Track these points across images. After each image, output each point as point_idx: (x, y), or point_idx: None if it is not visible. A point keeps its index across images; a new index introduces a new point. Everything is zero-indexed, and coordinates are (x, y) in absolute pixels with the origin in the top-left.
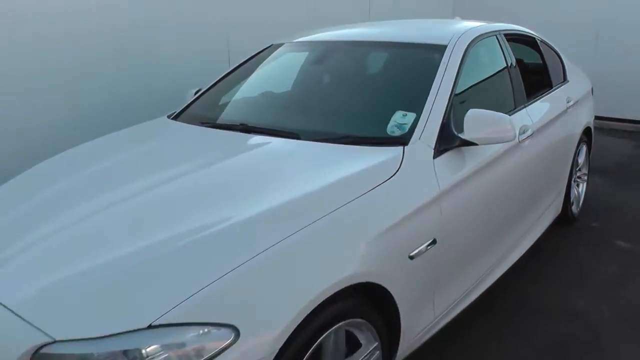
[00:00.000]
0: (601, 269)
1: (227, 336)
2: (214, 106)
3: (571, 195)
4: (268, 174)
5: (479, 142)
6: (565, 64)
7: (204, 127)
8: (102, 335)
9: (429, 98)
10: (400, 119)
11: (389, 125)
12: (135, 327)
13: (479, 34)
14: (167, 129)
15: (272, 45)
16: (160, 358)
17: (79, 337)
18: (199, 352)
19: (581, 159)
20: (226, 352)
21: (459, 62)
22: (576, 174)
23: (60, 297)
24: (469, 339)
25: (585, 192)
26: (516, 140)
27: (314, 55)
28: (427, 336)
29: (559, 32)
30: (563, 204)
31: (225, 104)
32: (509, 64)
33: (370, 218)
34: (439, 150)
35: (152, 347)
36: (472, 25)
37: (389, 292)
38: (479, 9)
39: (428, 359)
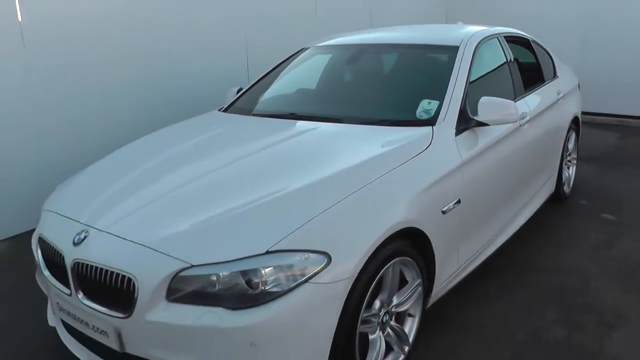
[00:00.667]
0: (590, 235)
1: (322, 261)
2: (259, 100)
3: (563, 176)
4: (329, 147)
5: (490, 123)
6: (555, 62)
7: (257, 117)
8: (228, 260)
9: (448, 89)
10: (426, 106)
11: (418, 111)
12: (256, 253)
13: (484, 36)
14: (226, 118)
15: (303, 48)
16: (273, 277)
17: (210, 262)
18: (302, 273)
19: (571, 145)
20: (321, 273)
21: (470, 59)
22: (567, 157)
23: (191, 235)
24: (485, 289)
25: (575, 177)
26: (517, 123)
27: (346, 56)
28: (452, 284)
29: (548, 34)
30: (556, 183)
31: (269, 99)
32: (509, 61)
33: (412, 179)
34: (459, 130)
35: (268, 268)
36: (477, 29)
37: (427, 239)
38: (471, 12)
39: (452, 303)
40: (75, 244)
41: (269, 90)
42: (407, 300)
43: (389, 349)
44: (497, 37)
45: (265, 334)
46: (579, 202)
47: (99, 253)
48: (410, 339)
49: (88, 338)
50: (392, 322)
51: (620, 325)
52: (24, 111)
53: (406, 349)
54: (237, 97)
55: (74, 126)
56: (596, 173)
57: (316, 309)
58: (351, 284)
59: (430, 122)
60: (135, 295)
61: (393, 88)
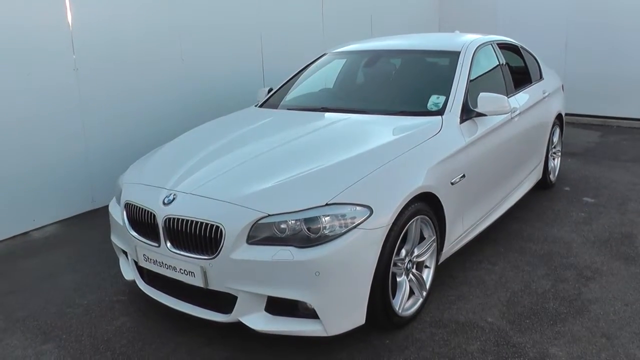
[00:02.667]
0: (573, 214)
1: (366, 212)
2: (292, 97)
3: (549, 166)
4: (363, 131)
5: (488, 113)
6: (541, 66)
7: (295, 110)
8: (297, 210)
9: (452, 86)
10: (435, 100)
11: (429, 104)
12: (317, 205)
13: (480, 43)
14: (269, 112)
15: (324, 53)
16: (330, 223)
17: (283, 212)
18: (351, 221)
19: (555, 138)
20: (366, 221)
21: (470, 62)
22: (552, 149)
23: (264, 193)
24: (483, 254)
25: (560, 168)
26: (509, 116)
27: (364, 59)
28: (457, 246)
29: (534, 41)
30: (543, 171)
31: (300, 96)
32: (501, 64)
33: (429, 155)
34: (462, 119)
35: (327, 217)
36: (474, 38)
37: (440, 203)
38: (460, 20)
39: (457, 265)
40: (165, 204)
41: (298, 89)
42: (424, 252)
43: (410, 293)
44: (491, 44)
45: (326, 266)
46: (563, 189)
47: (189, 209)
48: (427, 286)
49: (167, 284)
50: (414, 270)
51: (595, 277)
52: (72, 108)
53: (424, 293)
54: (269, 95)
55: (116, 121)
56: (579, 165)
57: (363, 248)
58: (387, 231)
59: (440, 112)
60: (222, 240)
61: (407, 86)
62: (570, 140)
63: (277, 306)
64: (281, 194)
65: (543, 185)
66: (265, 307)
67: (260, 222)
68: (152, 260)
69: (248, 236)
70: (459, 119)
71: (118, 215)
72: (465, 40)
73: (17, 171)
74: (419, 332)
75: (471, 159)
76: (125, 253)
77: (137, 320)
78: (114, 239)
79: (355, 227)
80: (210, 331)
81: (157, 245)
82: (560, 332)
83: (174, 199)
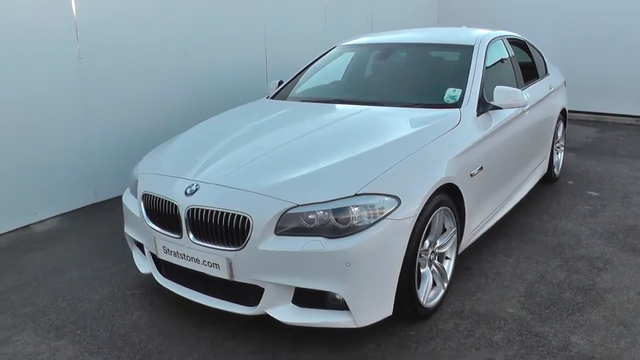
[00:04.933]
0: (578, 207)
1: (394, 203)
2: (305, 89)
3: (553, 160)
4: (384, 122)
5: (503, 106)
6: (546, 61)
7: (308, 102)
8: (326, 200)
9: (468, 79)
10: (452, 93)
11: (445, 97)
12: (346, 195)
13: (492, 38)
14: (279, 103)
15: (335, 46)
16: (359, 214)
17: (311, 202)
18: (380, 212)
19: (559, 133)
20: (394, 212)
21: (484, 56)
22: (556, 144)
23: (291, 183)
24: (496, 247)
25: (563, 162)
26: (520, 110)
27: (377, 52)
28: (474, 238)
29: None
30: (548, 166)
31: (312, 88)
32: (511, 59)
33: (449, 147)
34: (479, 112)
35: (356, 208)
36: (486, 32)
37: (461, 195)
38: (461, 16)
39: (472, 258)
40: (187, 194)
41: (309, 81)
42: (446, 243)
43: (432, 284)
44: (502, 39)
45: (357, 256)
46: (567, 183)
47: (213, 200)
48: (448, 277)
49: (187, 277)
50: (436, 261)
51: (607, 268)
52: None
53: (445, 284)
54: (281, 87)
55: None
56: (579, 160)
57: (392, 239)
58: (414, 222)
59: (457, 105)
60: (250, 230)
61: (422, 78)
62: (570, 136)
63: (305, 298)
64: (309, 185)
65: (548, 179)
66: (293, 298)
67: (288, 212)
68: (172, 253)
69: (276, 227)
70: (475, 112)
71: (134, 206)
72: (478, 34)
73: (18, 162)
74: (442, 323)
75: (487, 151)
76: (140, 246)
77: (153, 315)
78: (128, 231)
79: (384, 217)
80: (232, 325)
81: (178, 236)
82: (579, 321)
83: (196, 189)
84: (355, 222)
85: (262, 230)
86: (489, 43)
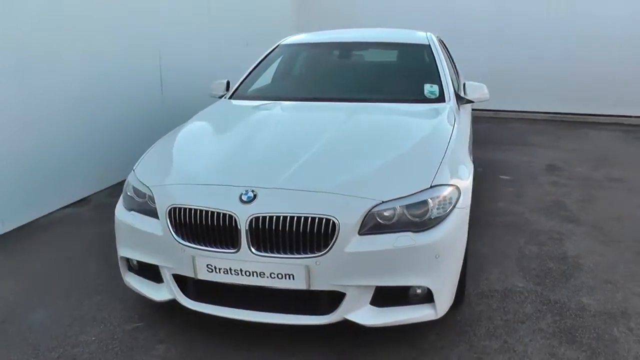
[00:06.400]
0: (502, 190)
1: (457, 192)
2: (271, 88)
3: None
4: (397, 118)
5: (475, 100)
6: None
7: (291, 102)
8: (408, 194)
9: (441, 76)
10: (429, 89)
11: (425, 92)
12: (424, 187)
13: (437, 36)
14: (259, 104)
15: (279, 44)
16: (437, 205)
17: (395, 197)
18: (449, 201)
19: None
20: (459, 201)
21: (441, 53)
22: None
23: (368, 180)
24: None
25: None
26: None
27: (341, 51)
28: None
29: None
30: None
31: (281, 87)
32: (450, 56)
33: (463, 138)
34: (458, 105)
35: (433, 199)
36: (425, 32)
37: None
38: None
39: None
40: (244, 202)
41: (274, 80)
42: None
43: None
44: (438, 38)
45: (444, 247)
46: (477, 169)
47: (285, 206)
48: None
49: (229, 297)
50: None
51: (563, 239)
52: None
53: None
54: (236, 87)
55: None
56: (484, 151)
57: (461, 226)
58: (469, 210)
59: (440, 100)
60: (336, 233)
61: (398, 75)
62: (474, 131)
63: (384, 297)
64: (383, 180)
65: None
66: (371, 300)
67: (373, 210)
68: (222, 270)
69: (360, 227)
70: (456, 105)
71: (144, 224)
72: (421, 34)
73: None
74: (475, 305)
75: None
76: (146, 271)
77: (182, 344)
78: (129, 254)
79: (454, 207)
80: (280, 340)
81: (234, 251)
82: (577, 285)
83: (254, 196)
84: (432, 213)
85: (348, 232)
86: (438, 41)
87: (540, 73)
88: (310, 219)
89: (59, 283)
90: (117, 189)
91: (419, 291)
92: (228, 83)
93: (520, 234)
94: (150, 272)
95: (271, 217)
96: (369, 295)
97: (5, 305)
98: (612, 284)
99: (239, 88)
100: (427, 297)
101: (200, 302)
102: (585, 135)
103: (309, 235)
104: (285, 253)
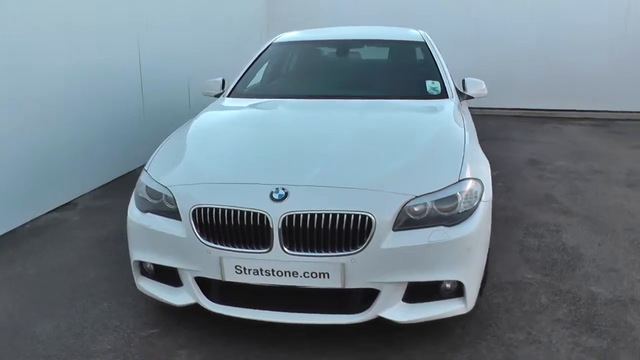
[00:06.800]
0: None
1: (480, 186)
2: (269, 86)
3: None
4: (406, 113)
5: (475, 96)
6: None
7: (294, 99)
8: (440, 188)
9: (441, 72)
10: (431, 85)
11: (428, 88)
12: (453, 182)
13: (426, 34)
14: (264, 102)
15: (273, 42)
16: (465, 198)
17: (428, 192)
18: (475, 195)
19: None
20: (483, 195)
21: (437, 50)
22: None
23: (399, 175)
24: None
25: None
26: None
27: (335, 49)
28: None
29: None
30: None
31: (281, 84)
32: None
33: (473, 133)
34: (460, 101)
35: (462, 193)
36: (415, 30)
37: None
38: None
39: None
40: (276, 200)
41: (273, 78)
42: None
43: None
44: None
45: (474, 240)
46: None
47: (320, 203)
48: None
49: (254, 298)
50: None
51: (560, 230)
52: None
53: None
54: (235, 84)
55: None
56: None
57: (487, 219)
58: (491, 203)
59: (443, 96)
60: (372, 230)
61: (399, 72)
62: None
63: (415, 293)
64: (412, 176)
65: None
66: (403, 296)
67: (407, 205)
68: (252, 271)
69: (394, 222)
70: (459, 101)
71: (163, 225)
72: (414, 31)
73: None
74: (492, 297)
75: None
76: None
77: (214, 351)
78: (145, 257)
79: (479, 200)
80: (303, 340)
81: (265, 250)
82: (583, 274)
83: (286, 194)
84: (464, 207)
85: (384, 228)
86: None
87: (509, 72)
88: (345, 216)
89: (57, 291)
90: (102, 191)
91: (448, 285)
92: (223, 81)
93: (517, 228)
94: (168, 276)
95: (305, 215)
96: (402, 292)
97: (6, 317)
98: (616, 272)
99: (237, 86)
100: (457, 291)
101: (225, 305)
102: (557, 130)
103: (344, 233)
104: (319, 251)
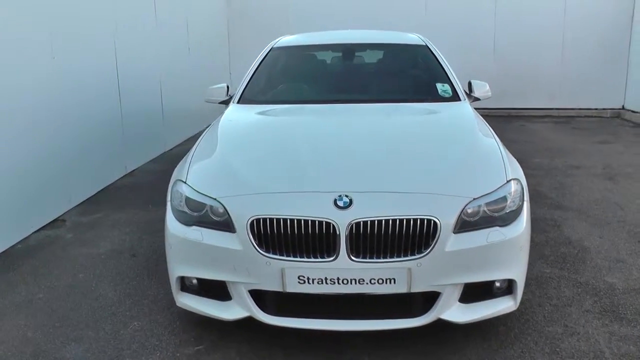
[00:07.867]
0: None
1: (520, 185)
2: (281, 92)
3: None
4: (429, 116)
5: (481, 98)
6: None
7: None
8: (492, 190)
9: (449, 75)
10: (442, 87)
11: (439, 91)
12: (503, 183)
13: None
14: (283, 108)
15: (273, 47)
16: (512, 199)
17: (483, 194)
18: (519, 194)
19: None
20: (523, 194)
21: (440, 53)
22: None
23: (450, 178)
24: None
25: None
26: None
27: (339, 53)
28: None
29: None
30: None
31: (292, 90)
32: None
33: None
34: (470, 103)
35: (510, 193)
36: (415, 34)
37: None
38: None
39: None
40: (341, 208)
41: (281, 83)
42: None
43: None
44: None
45: (525, 239)
46: None
47: (386, 209)
48: None
49: (309, 308)
50: None
51: (560, 225)
52: None
53: None
54: (242, 90)
55: None
56: None
57: (528, 218)
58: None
59: (455, 99)
60: (437, 233)
61: (407, 76)
62: None
63: (471, 293)
64: (464, 179)
65: None
66: (460, 297)
67: (467, 207)
68: (316, 281)
69: (455, 225)
70: (470, 103)
71: (215, 239)
72: (412, 35)
73: None
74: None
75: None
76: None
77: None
78: (193, 272)
79: (523, 200)
80: (363, 347)
81: (331, 259)
82: (595, 266)
83: (350, 201)
84: (512, 207)
85: (447, 231)
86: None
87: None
88: (412, 220)
89: (77, 313)
90: (87, 206)
91: (499, 284)
92: (227, 87)
93: None
94: (214, 290)
95: (372, 222)
96: (459, 293)
97: (28, 344)
98: (623, 262)
99: (245, 92)
100: (507, 289)
101: (283, 316)
102: (523, 128)
103: (410, 238)
104: (385, 257)
